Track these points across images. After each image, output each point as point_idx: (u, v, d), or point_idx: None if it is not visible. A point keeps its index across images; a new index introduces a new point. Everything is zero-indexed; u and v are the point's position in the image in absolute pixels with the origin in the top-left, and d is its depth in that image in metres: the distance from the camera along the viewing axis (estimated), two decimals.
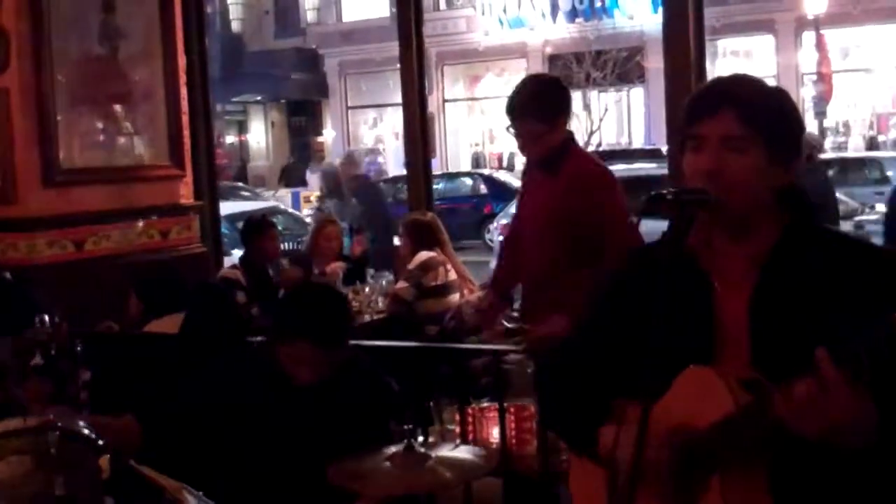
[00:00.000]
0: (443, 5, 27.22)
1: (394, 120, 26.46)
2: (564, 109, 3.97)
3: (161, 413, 2.97)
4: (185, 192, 5.70)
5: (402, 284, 5.60)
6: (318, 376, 2.96)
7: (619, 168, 14.00)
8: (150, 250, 5.32)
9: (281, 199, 21.20)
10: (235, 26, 32.15)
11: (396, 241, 6.43)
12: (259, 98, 32.72)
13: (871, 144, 23.15)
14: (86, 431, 2.21)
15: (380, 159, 27.85)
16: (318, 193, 24.89)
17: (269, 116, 34.18)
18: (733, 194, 1.76)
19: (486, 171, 21.85)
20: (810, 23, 21.75)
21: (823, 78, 20.60)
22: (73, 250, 5.01)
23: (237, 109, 33.57)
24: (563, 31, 24.96)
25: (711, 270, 1.85)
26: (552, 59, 25.80)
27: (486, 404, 3.81)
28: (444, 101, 28.24)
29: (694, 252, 1.85)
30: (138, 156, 5.49)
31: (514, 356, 3.98)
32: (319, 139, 32.74)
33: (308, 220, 14.35)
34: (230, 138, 33.79)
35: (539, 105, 3.85)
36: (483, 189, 19.22)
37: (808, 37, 22.31)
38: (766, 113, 1.77)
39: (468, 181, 20.16)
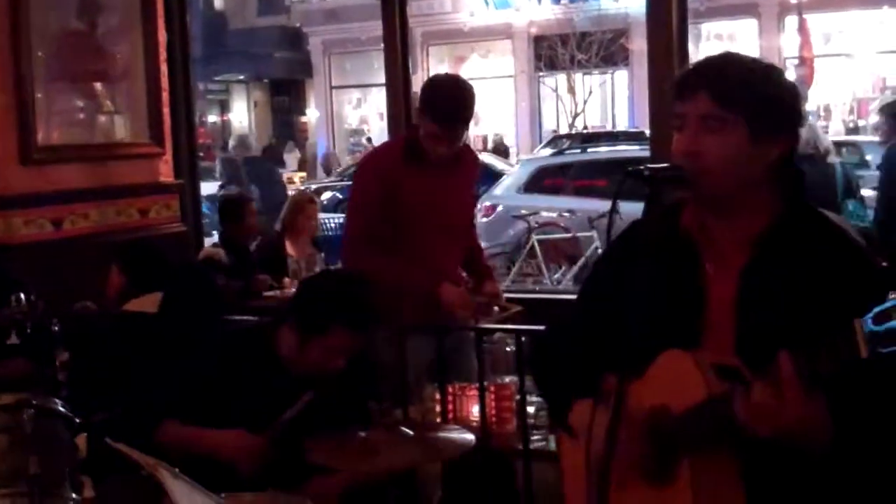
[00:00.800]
0: None
1: (378, 100, 26.35)
2: None
3: (175, 404, 2.95)
4: (165, 171, 5.65)
5: None
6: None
7: (602, 150, 14.19)
8: (129, 229, 5.27)
9: None
10: (218, 4, 31.91)
11: None
12: (242, 77, 32.52)
13: (852, 129, 23.26)
14: (62, 409, 2.20)
15: (363, 140, 27.78)
16: (301, 174, 24.88)
17: (251, 96, 33.98)
18: (710, 174, 1.76)
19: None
20: (793, 7, 21.79)
21: (805, 62, 20.62)
22: (51, 229, 4.96)
23: (220, 88, 33.36)
24: (548, 13, 24.89)
25: (704, 251, 1.84)
26: (537, 40, 25.74)
27: (465, 383, 3.82)
28: None
29: (688, 232, 1.85)
30: (117, 133, 5.43)
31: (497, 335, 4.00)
32: (303, 119, 32.59)
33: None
34: (212, 118, 33.61)
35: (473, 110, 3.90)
36: None
37: (791, 21, 22.35)
38: (744, 91, 1.76)
39: None
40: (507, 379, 3.80)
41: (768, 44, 23.22)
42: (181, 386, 2.99)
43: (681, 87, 1.82)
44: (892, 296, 1.39)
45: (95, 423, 3.01)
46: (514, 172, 13.53)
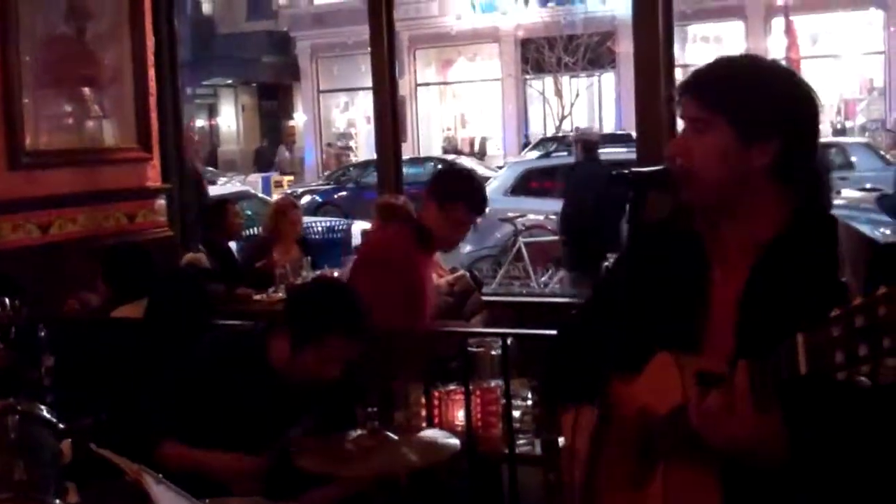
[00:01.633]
0: None
1: (365, 104, 26.34)
2: None
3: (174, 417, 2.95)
4: (153, 175, 5.65)
5: None
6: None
7: None
8: (116, 234, 5.27)
9: (251, 183, 21.08)
10: (206, 8, 31.87)
11: (364, 224, 6.45)
12: (230, 81, 32.46)
13: (839, 130, 23.37)
14: (47, 415, 2.20)
15: (351, 143, 27.79)
16: (290, 178, 24.86)
17: (239, 100, 33.93)
18: (695, 175, 1.75)
19: (450, 157, 21.64)
20: (780, 9, 21.90)
21: (792, 64, 20.67)
22: (39, 234, 4.95)
23: (208, 93, 33.29)
24: (535, 16, 24.94)
25: (713, 253, 1.82)
26: (524, 43, 25.79)
27: (452, 387, 3.82)
28: (417, 85, 28.16)
29: (700, 234, 1.84)
30: (105, 138, 5.42)
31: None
32: (291, 123, 32.57)
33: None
34: (200, 122, 33.52)
35: None
36: None
37: (778, 23, 22.47)
38: (728, 93, 1.74)
39: (431, 166, 20.00)
40: (493, 383, 3.80)
41: (755, 46, 23.30)
42: (176, 401, 2.97)
43: (678, 93, 1.83)
44: (835, 312, 1.34)
45: (81, 428, 3.01)
46: (500, 175, 13.56)
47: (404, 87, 25.36)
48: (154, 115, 5.62)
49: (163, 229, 5.64)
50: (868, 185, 14.19)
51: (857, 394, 1.35)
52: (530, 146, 21.41)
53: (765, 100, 1.74)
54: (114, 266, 4.13)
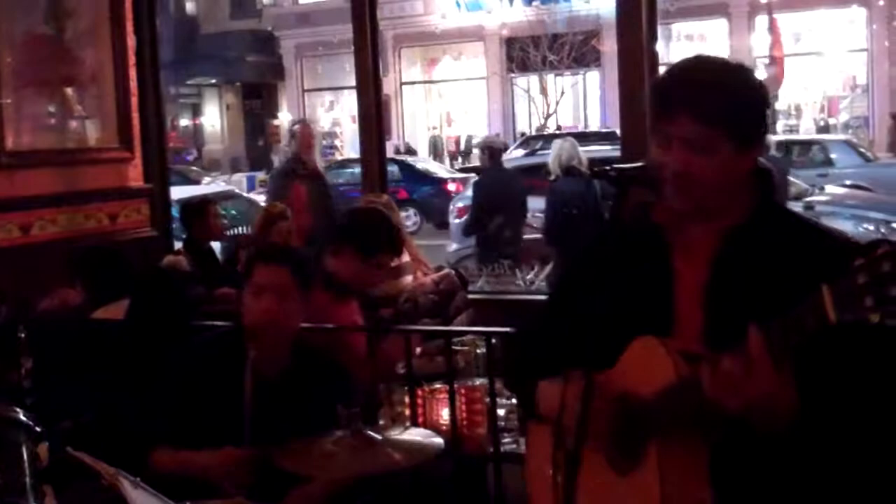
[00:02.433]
0: None
1: (350, 103, 26.34)
2: None
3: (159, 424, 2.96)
4: (135, 175, 5.61)
5: None
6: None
7: None
8: (98, 234, 5.23)
9: (236, 182, 21.03)
10: (190, 7, 31.78)
11: None
12: (214, 80, 32.38)
13: (823, 127, 23.48)
14: (23, 418, 2.17)
15: (337, 142, 27.74)
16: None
17: (223, 99, 33.84)
18: (702, 191, 1.78)
19: (399, 157, 21.30)
20: (763, 7, 21.99)
21: (776, 61, 20.82)
22: (19, 235, 4.92)
23: (191, 92, 33.20)
24: (519, 15, 24.97)
25: (675, 244, 1.87)
26: (509, 42, 25.83)
27: (437, 386, 3.80)
28: (402, 83, 28.16)
29: (661, 226, 1.87)
30: (86, 138, 5.39)
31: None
32: (275, 122, 32.48)
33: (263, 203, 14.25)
34: (184, 121, 33.43)
35: None
36: (398, 174, 18.77)
37: (761, 21, 22.55)
38: (724, 107, 1.76)
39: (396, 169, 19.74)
40: (478, 381, 3.79)
41: (739, 44, 23.41)
42: (165, 407, 2.99)
43: (662, 103, 1.81)
44: (859, 261, 1.40)
45: (62, 430, 2.98)
46: None
47: (389, 86, 25.35)
48: (136, 115, 5.58)
49: (146, 229, 5.61)
50: (848, 182, 14.30)
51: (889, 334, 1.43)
52: (515, 144, 21.42)
53: (752, 105, 1.81)
54: (86, 269, 4.09)
